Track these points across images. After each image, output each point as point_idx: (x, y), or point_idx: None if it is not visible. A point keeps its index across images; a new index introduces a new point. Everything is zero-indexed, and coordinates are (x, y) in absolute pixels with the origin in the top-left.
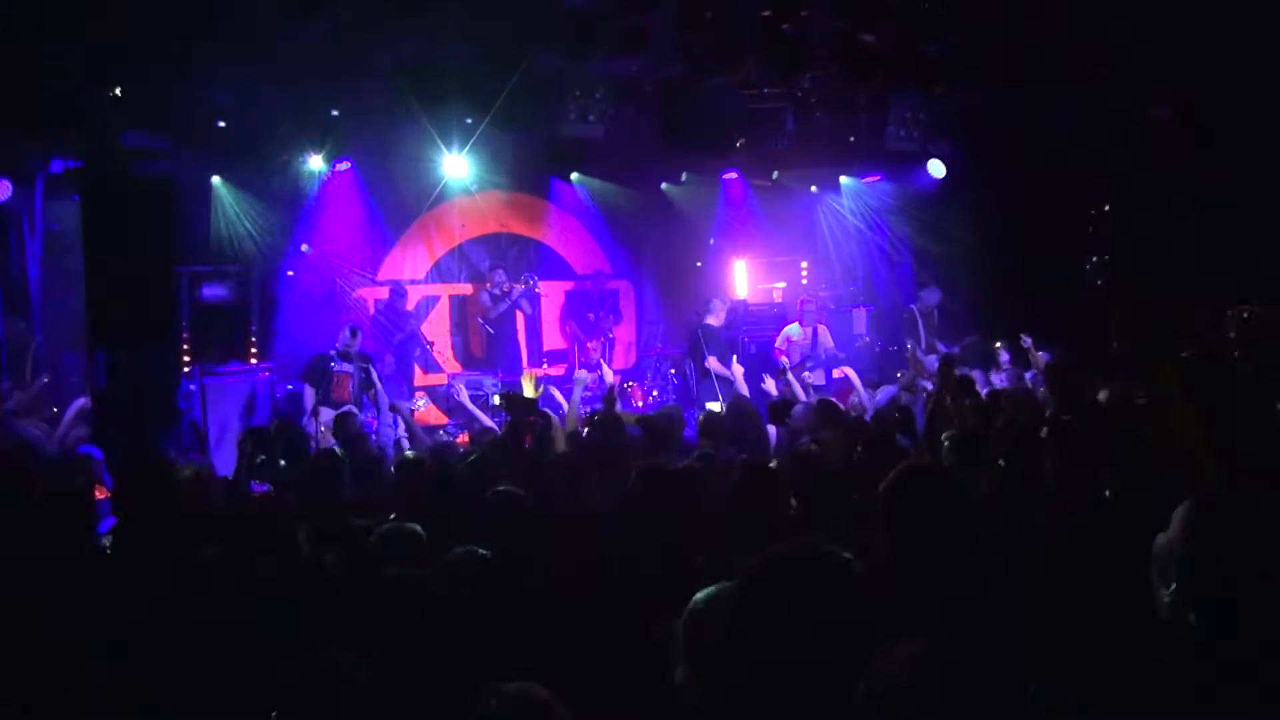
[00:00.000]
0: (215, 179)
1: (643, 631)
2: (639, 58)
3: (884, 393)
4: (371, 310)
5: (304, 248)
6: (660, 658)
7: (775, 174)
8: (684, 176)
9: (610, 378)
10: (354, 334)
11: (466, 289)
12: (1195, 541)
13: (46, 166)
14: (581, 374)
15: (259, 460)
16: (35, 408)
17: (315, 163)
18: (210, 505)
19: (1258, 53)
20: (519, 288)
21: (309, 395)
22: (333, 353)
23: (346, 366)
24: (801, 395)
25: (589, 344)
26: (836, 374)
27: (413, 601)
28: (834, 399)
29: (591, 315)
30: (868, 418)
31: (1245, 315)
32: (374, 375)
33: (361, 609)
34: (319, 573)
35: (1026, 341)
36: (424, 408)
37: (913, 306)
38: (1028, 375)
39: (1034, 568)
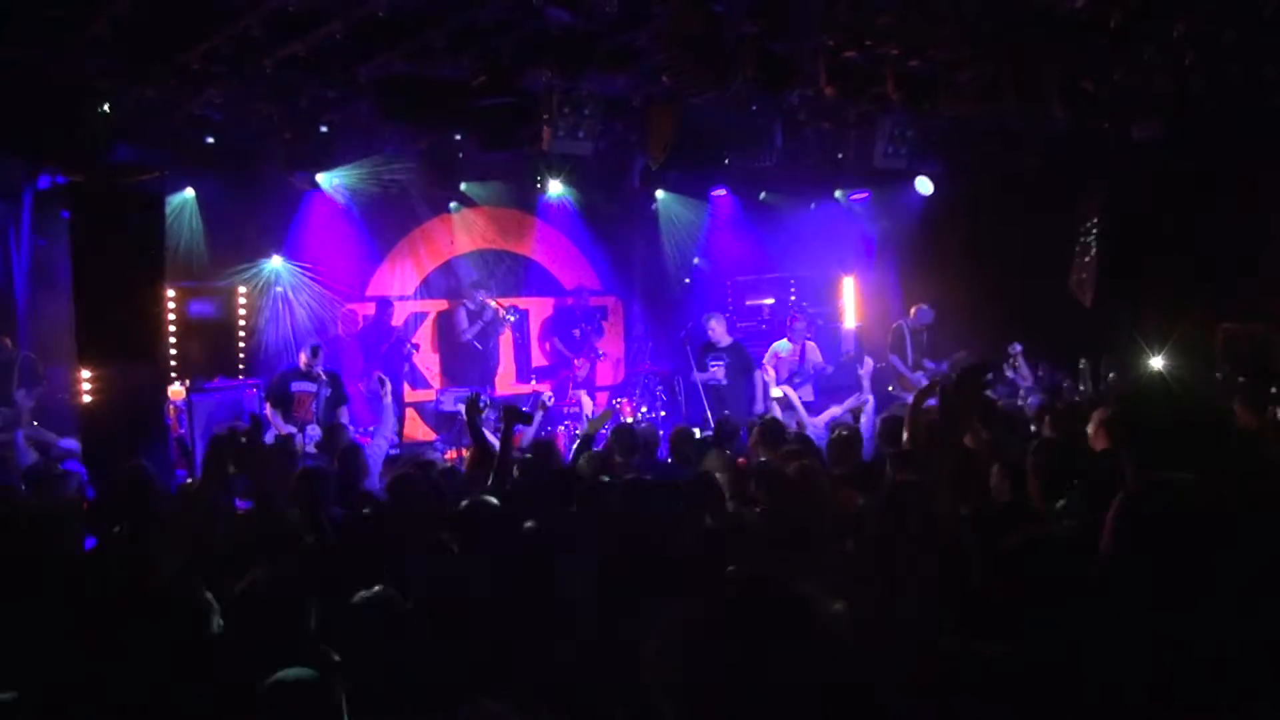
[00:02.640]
0: (189, 191)
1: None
2: (628, 75)
3: (828, 415)
4: (359, 326)
5: (276, 258)
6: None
7: (762, 194)
8: (662, 194)
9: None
10: (314, 353)
11: (445, 305)
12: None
13: (35, 182)
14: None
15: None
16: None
17: (304, 179)
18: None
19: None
20: (496, 307)
21: (271, 414)
22: (293, 372)
23: (307, 386)
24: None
25: (575, 360)
26: (775, 394)
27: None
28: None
29: (577, 331)
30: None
31: (1228, 331)
32: (343, 392)
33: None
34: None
35: (1016, 348)
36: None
37: (902, 322)
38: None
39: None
